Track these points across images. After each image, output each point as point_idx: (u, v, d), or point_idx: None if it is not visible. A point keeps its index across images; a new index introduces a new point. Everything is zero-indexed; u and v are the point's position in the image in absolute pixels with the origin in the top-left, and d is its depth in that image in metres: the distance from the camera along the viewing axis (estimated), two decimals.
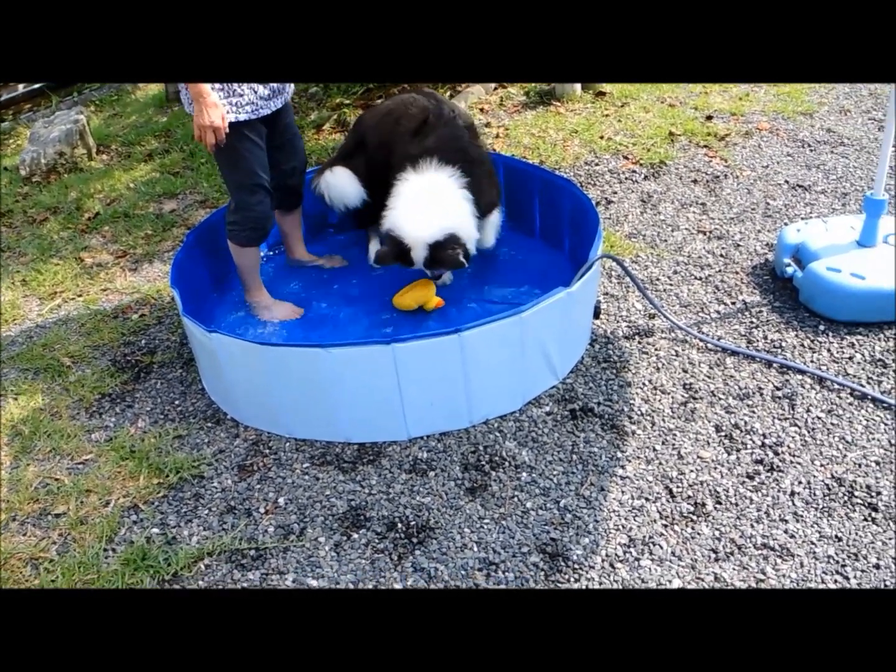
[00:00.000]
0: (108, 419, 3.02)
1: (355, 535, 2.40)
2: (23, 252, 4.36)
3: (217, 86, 2.85)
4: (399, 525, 2.41)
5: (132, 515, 2.58)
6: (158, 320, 3.59)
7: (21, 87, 6.82)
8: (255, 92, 2.91)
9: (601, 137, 4.65)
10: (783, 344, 2.97)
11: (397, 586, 2.23)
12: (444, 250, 2.95)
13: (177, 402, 3.07)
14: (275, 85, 2.98)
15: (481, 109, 5.19)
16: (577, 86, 5.19)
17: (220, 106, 2.81)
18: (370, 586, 2.24)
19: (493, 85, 5.46)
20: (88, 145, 5.40)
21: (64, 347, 3.47)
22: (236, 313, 3.40)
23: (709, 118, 4.77)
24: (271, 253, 3.75)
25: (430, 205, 2.98)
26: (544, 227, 3.66)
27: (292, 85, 3.17)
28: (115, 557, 2.42)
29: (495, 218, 3.38)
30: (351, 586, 2.25)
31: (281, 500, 2.56)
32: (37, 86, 6.82)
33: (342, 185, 3.45)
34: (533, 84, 5.48)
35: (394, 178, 3.10)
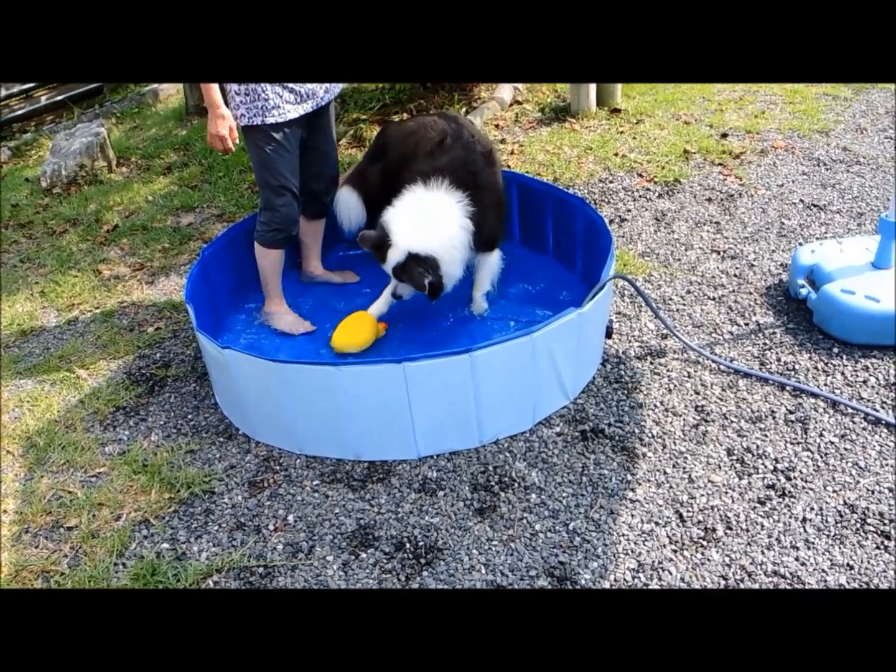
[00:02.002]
0: (122, 432, 3.05)
1: (363, 555, 2.41)
2: (42, 263, 4.41)
3: (242, 91, 2.93)
4: (407, 545, 2.42)
5: (143, 530, 2.60)
6: (174, 333, 3.62)
7: (44, 99, 6.92)
8: (281, 96, 2.97)
9: (616, 154, 4.65)
10: (797, 366, 2.95)
11: None
12: (416, 265, 2.93)
13: (190, 417, 3.09)
14: (303, 90, 3.02)
15: (496, 125, 5.21)
16: (593, 102, 5.20)
17: (228, 118, 2.96)
18: None
19: (508, 101, 5.48)
20: (109, 158, 5.47)
21: (80, 359, 3.51)
22: (251, 327, 3.43)
23: (724, 136, 4.76)
24: None
25: (429, 221, 2.96)
26: (557, 245, 3.66)
27: (331, 91, 3.19)
28: (125, 572, 2.43)
29: (494, 260, 3.26)
30: None
31: (290, 518, 2.57)
32: (59, 97, 6.92)
33: (347, 207, 3.57)
34: (549, 100, 5.50)
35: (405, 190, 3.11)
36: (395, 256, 2.96)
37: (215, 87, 2.88)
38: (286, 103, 3.00)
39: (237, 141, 2.99)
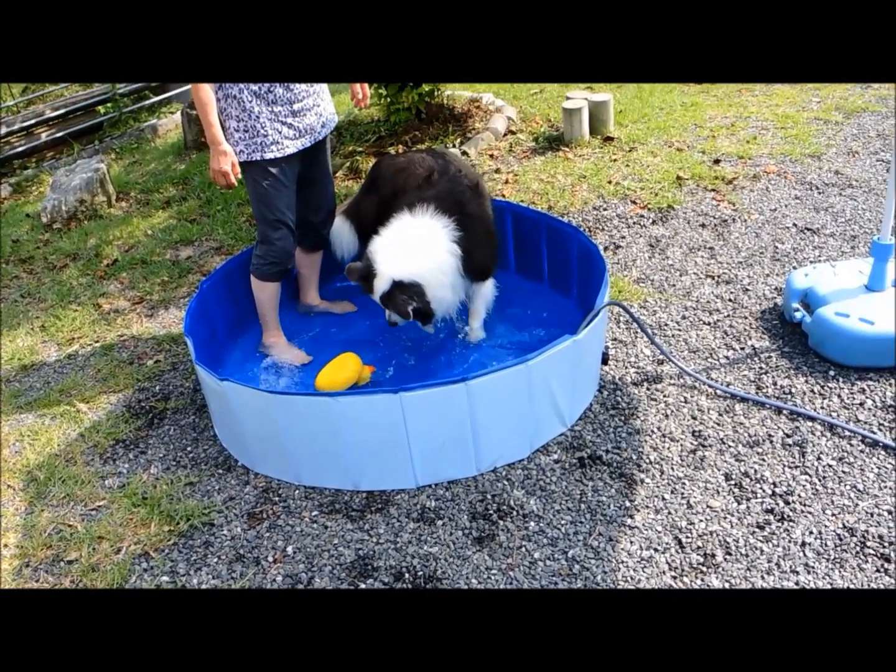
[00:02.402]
0: (122, 465, 3.06)
1: (363, 585, 2.40)
2: (42, 298, 4.45)
3: (241, 127, 2.99)
4: (406, 575, 2.41)
5: (143, 563, 2.60)
6: (173, 366, 3.64)
7: (44, 136, 7.01)
8: (280, 132, 3.03)
9: (609, 182, 4.70)
10: (793, 390, 2.97)
11: None
12: (399, 293, 2.94)
13: (189, 449, 3.10)
14: (301, 126, 3.07)
15: (491, 156, 5.28)
16: (586, 131, 5.27)
17: (230, 154, 2.98)
18: None
19: (502, 131, 5.56)
20: (108, 193, 5.53)
21: (80, 393, 3.53)
22: (249, 360, 3.45)
23: (716, 162, 4.81)
24: None
25: (414, 247, 2.98)
26: (552, 273, 3.69)
27: (327, 126, 3.25)
28: None
29: (487, 290, 3.29)
30: None
31: (289, 549, 2.57)
32: (60, 134, 7.00)
33: (339, 236, 3.61)
34: (542, 129, 5.57)
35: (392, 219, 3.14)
36: (380, 286, 2.97)
37: (216, 124, 2.92)
38: (284, 139, 3.04)
39: (239, 176, 3.03)
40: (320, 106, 3.16)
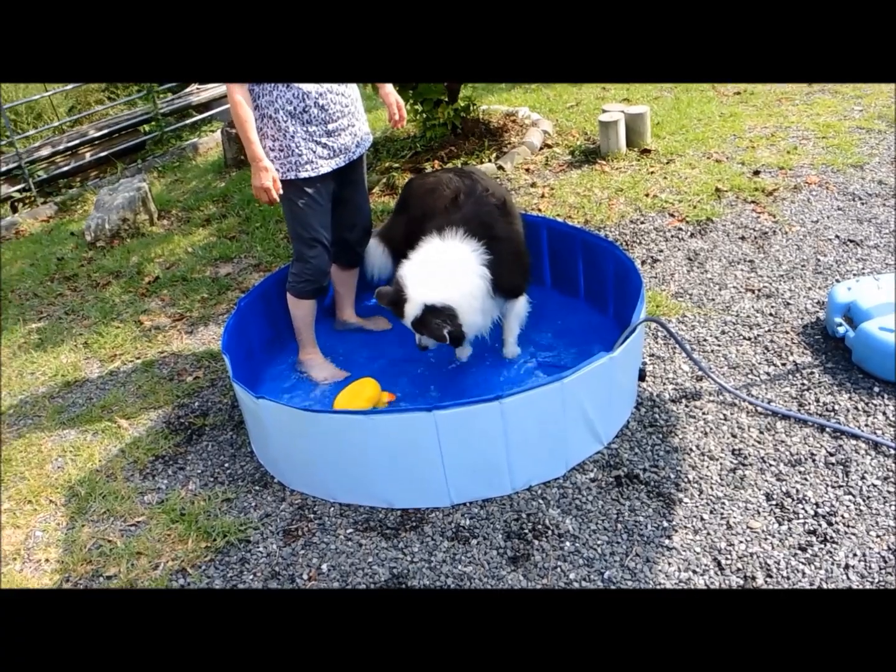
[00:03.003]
0: (161, 481, 3.11)
1: None
2: (86, 315, 4.55)
3: (276, 147, 3.03)
4: None
5: (180, 579, 2.63)
6: (212, 382, 3.69)
7: (88, 156, 7.19)
8: (314, 152, 3.06)
9: (646, 195, 4.66)
10: (836, 407, 2.89)
11: None
12: (433, 317, 2.93)
13: (226, 465, 3.13)
14: (335, 146, 3.10)
15: (527, 170, 5.27)
16: (623, 144, 5.23)
17: (271, 170, 3.01)
18: None
19: (538, 145, 5.55)
20: (150, 211, 5.65)
21: (121, 409, 3.59)
22: (285, 376, 3.48)
23: (756, 173, 4.74)
24: None
25: (444, 271, 2.98)
26: (588, 288, 3.67)
27: (362, 146, 3.27)
28: None
29: (520, 307, 3.28)
30: None
31: (324, 567, 2.57)
32: (104, 153, 7.18)
33: (372, 258, 3.64)
34: (578, 143, 5.55)
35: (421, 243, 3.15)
36: (412, 310, 2.96)
37: (256, 141, 2.96)
38: (319, 158, 3.08)
39: (281, 191, 3.06)
40: (355, 126, 3.18)
